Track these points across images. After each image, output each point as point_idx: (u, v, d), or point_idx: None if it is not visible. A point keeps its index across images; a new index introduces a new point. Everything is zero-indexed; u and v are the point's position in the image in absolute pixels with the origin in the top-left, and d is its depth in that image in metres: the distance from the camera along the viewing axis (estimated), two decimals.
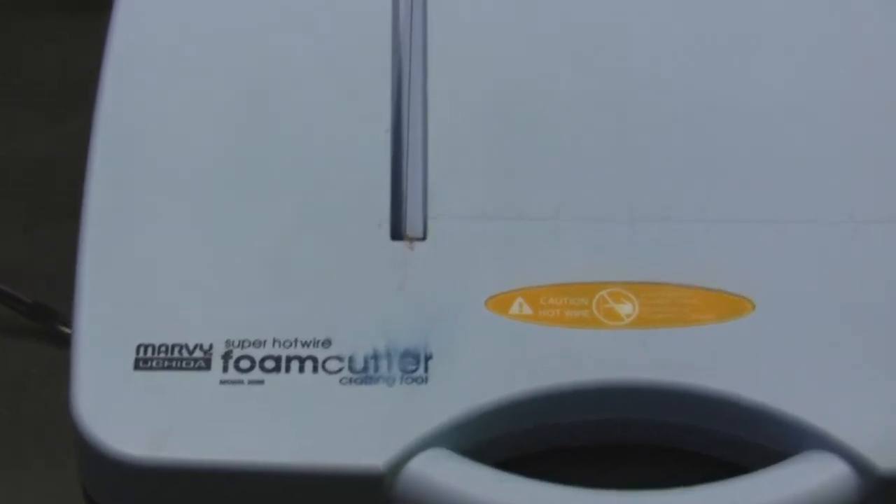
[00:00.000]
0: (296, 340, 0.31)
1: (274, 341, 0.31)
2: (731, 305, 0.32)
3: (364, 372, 0.31)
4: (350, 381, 0.30)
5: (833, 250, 0.33)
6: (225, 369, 0.31)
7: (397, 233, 0.33)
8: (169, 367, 0.31)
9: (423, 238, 0.33)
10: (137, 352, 0.31)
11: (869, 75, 0.37)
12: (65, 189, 0.37)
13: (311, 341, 0.31)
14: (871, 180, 0.35)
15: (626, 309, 0.32)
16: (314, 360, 0.31)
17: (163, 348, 0.31)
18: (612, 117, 0.36)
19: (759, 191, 0.34)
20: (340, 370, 0.31)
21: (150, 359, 0.31)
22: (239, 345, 0.31)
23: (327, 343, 0.31)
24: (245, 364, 0.31)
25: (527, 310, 0.32)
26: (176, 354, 0.31)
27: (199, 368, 0.31)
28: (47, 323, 0.37)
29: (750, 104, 0.36)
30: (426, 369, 0.31)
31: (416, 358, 0.31)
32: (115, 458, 0.29)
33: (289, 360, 0.31)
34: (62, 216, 0.36)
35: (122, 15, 0.38)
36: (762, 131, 0.36)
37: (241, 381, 0.30)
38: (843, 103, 0.37)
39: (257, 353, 0.31)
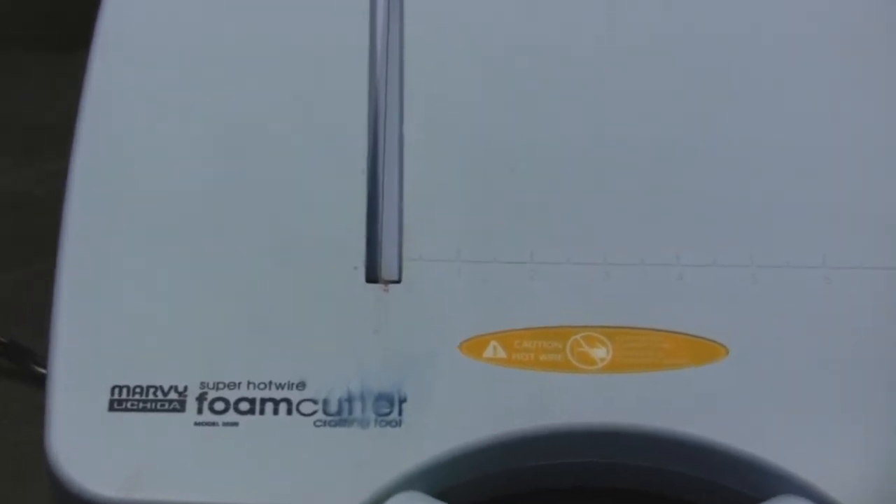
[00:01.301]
0: (270, 383, 0.31)
1: (248, 383, 0.31)
2: (705, 350, 0.32)
3: (338, 415, 0.31)
4: (324, 423, 0.31)
5: (805, 296, 0.34)
6: (199, 411, 0.31)
7: (372, 276, 0.34)
8: (143, 409, 0.31)
9: (399, 281, 0.33)
10: (112, 393, 0.31)
11: (842, 124, 0.38)
12: (37, 229, 0.37)
13: (285, 384, 0.31)
14: (843, 226, 0.35)
15: (601, 353, 0.32)
16: (288, 402, 0.31)
17: (137, 390, 0.31)
18: (587, 163, 0.36)
19: (731, 235, 0.35)
20: (315, 412, 0.31)
21: (124, 400, 0.31)
22: (214, 386, 0.31)
23: (302, 385, 0.31)
24: (220, 406, 0.31)
25: (500, 353, 0.32)
26: (150, 396, 0.31)
27: (174, 410, 0.31)
28: (22, 363, 0.37)
29: (722, 151, 0.37)
30: (400, 412, 0.31)
31: (390, 401, 0.31)
32: (89, 500, 0.29)
33: (263, 402, 0.31)
34: (36, 255, 0.36)
35: (100, 54, 0.38)
36: (734, 177, 0.36)
37: (215, 423, 0.31)
38: (816, 150, 0.37)
39: (232, 395, 0.31)
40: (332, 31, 0.38)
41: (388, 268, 0.34)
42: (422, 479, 0.30)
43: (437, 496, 0.30)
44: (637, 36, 0.39)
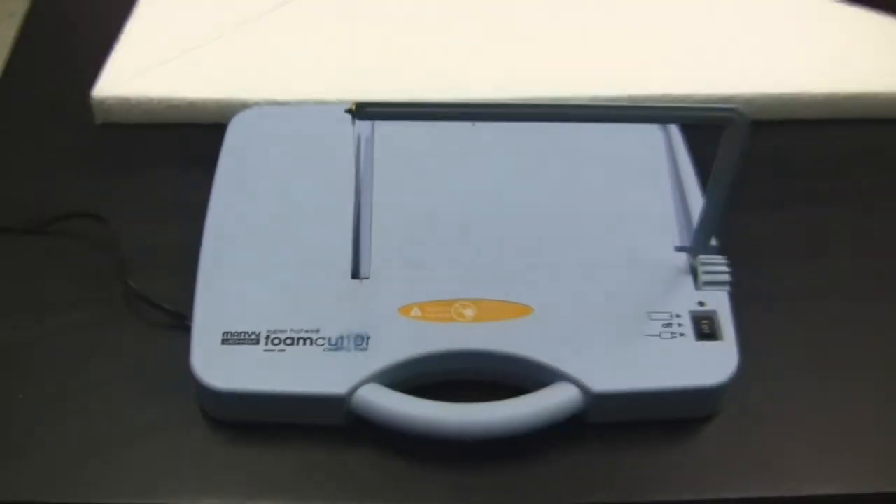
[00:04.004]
0: (301, 329, 0.60)
1: (290, 329, 0.60)
2: (522, 310, 0.61)
3: (335, 346, 0.60)
4: (328, 349, 0.59)
5: (578, 281, 0.63)
6: (266, 344, 0.60)
7: (356, 274, 0.63)
8: (238, 343, 0.60)
9: (368, 278, 0.63)
10: (223, 335, 0.60)
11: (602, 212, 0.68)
12: None
13: (310, 329, 0.60)
14: (621, 260, 0.65)
15: (469, 312, 0.61)
16: (311, 339, 0.60)
17: (235, 333, 0.60)
18: (479, 223, 0.66)
19: (540, 255, 0.64)
20: (323, 344, 0.60)
21: (228, 339, 0.60)
22: (272, 332, 0.60)
23: (317, 331, 0.60)
24: (276, 341, 0.60)
25: (418, 313, 0.61)
26: (241, 337, 0.60)
27: (253, 343, 0.60)
28: (181, 320, 0.66)
29: (566, 224, 0.66)
30: (367, 345, 0.60)
31: (363, 338, 0.60)
32: (210, 389, 0.59)
33: (297, 339, 0.60)
34: None
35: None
36: (551, 231, 0.66)
37: (272, 350, 0.60)
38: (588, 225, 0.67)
39: (282, 335, 0.60)
40: (338, 169, 0.68)
41: (363, 271, 0.63)
42: (378, 378, 0.59)
43: (389, 386, 0.59)
44: (519, 173, 0.69)
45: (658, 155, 0.71)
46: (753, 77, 0.81)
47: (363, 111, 0.53)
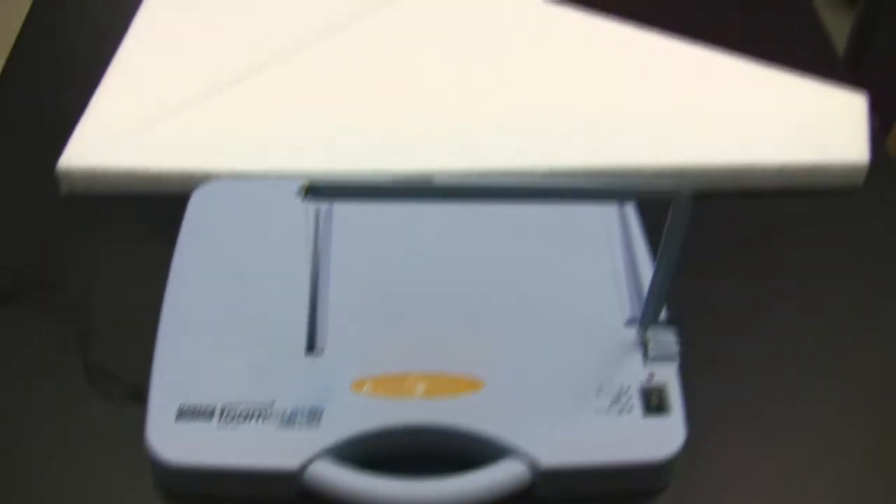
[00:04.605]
0: (255, 402, 0.61)
1: (246, 402, 0.61)
2: (473, 384, 0.62)
3: (290, 420, 0.61)
4: (283, 423, 0.60)
5: (523, 352, 0.64)
6: (221, 417, 0.61)
7: (310, 348, 0.64)
8: (192, 417, 0.61)
9: (323, 352, 0.64)
10: (179, 409, 0.61)
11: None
12: None
13: (264, 402, 0.61)
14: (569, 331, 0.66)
15: (421, 387, 0.62)
16: (265, 413, 0.61)
17: (190, 406, 0.61)
18: (427, 305, 0.67)
19: (506, 336, 0.65)
20: (279, 418, 0.61)
21: (184, 413, 0.61)
22: (227, 406, 0.61)
23: (272, 403, 0.61)
24: (230, 415, 0.61)
25: (370, 389, 0.62)
26: (195, 411, 0.61)
27: (208, 416, 0.61)
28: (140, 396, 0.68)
29: (518, 297, 0.68)
30: (320, 420, 0.61)
31: (316, 413, 0.61)
32: (163, 463, 0.60)
33: (252, 413, 0.61)
34: None
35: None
36: (519, 308, 0.67)
37: (227, 424, 0.61)
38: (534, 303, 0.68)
39: (237, 409, 0.61)
40: (297, 243, 0.69)
41: (318, 345, 0.64)
42: (330, 453, 0.59)
43: (340, 460, 0.60)
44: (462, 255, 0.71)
45: (611, 226, 0.72)
46: (705, 148, 0.82)
47: (313, 192, 0.54)
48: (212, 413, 0.61)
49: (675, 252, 0.60)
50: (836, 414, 0.68)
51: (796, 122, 0.86)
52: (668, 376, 0.63)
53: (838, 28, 2.25)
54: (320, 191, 0.54)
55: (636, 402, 0.62)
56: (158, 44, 0.90)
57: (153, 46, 0.90)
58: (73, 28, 0.97)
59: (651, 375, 0.63)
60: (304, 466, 0.59)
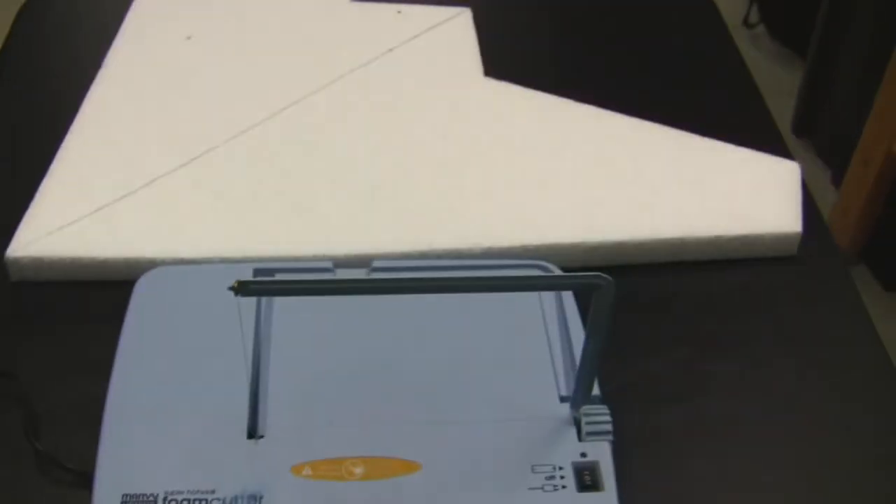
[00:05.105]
0: (197, 490, 0.63)
1: (188, 492, 0.63)
2: (411, 467, 0.64)
3: None
4: None
5: (457, 439, 0.65)
6: None
7: (252, 433, 0.66)
8: None
9: (264, 437, 0.65)
10: (122, 497, 0.62)
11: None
12: None
13: (205, 490, 0.62)
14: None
15: (359, 470, 0.64)
16: (206, 501, 0.63)
17: (132, 496, 0.63)
18: (379, 384, 0.69)
19: (443, 417, 0.67)
20: None
21: (127, 501, 0.62)
22: (169, 493, 0.63)
23: (213, 491, 0.63)
24: (173, 503, 0.62)
25: (309, 472, 0.63)
26: (139, 499, 0.62)
27: None
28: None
29: (455, 378, 0.70)
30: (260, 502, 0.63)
31: (257, 499, 0.62)
32: None
33: (193, 501, 0.62)
34: None
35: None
36: (456, 389, 0.69)
37: None
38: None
39: (179, 497, 0.62)
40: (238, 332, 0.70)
41: (259, 430, 0.65)
42: None
43: None
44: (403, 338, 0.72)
45: (547, 304, 0.74)
46: (639, 223, 0.85)
47: (245, 289, 0.56)
48: (154, 501, 0.62)
49: (602, 335, 0.62)
50: (773, 490, 0.69)
51: (730, 192, 0.88)
52: (602, 454, 0.65)
53: (788, 78, 2.31)
54: (251, 288, 0.56)
55: (570, 481, 0.64)
56: (103, 132, 0.92)
57: (98, 134, 0.92)
58: (18, 117, 0.99)
59: (584, 453, 0.65)
60: None
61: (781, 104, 2.24)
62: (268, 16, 1.05)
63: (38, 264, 0.80)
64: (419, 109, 0.95)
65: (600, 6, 1.13)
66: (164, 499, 0.62)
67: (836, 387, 0.76)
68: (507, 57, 1.02)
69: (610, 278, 0.59)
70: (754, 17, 2.48)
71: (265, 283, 0.57)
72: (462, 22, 1.05)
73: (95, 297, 0.80)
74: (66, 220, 0.83)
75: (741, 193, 0.88)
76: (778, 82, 2.31)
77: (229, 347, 0.70)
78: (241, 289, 0.56)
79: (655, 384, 0.75)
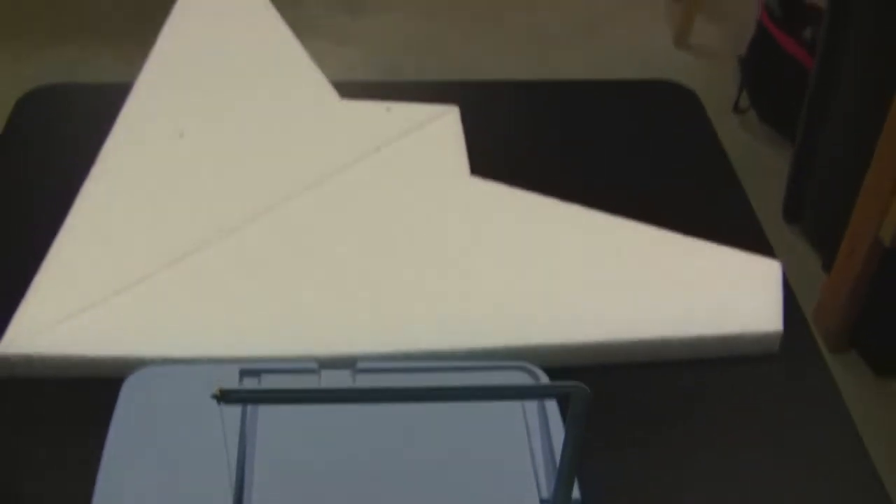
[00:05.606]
0: None
1: None
2: None
3: None
4: None
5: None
6: None
7: None
8: None
9: None
10: None
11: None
12: None
13: None
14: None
15: None
16: None
17: None
18: (365, 487, 0.70)
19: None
20: None
21: None
22: None
23: None
24: None
25: None
26: None
27: None
28: None
29: (437, 479, 0.71)
30: None
31: None
32: None
33: None
34: None
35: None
36: (439, 490, 0.70)
37: None
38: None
39: None
40: (227, 429, 0.72)
41: None
42: None
43: None
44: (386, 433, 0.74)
45: (528, 407, 0.75)
46: (618, 323, 0.86)
47: (227, 397, 0.57)
48: None
49: (579, 438, 0.63)
50: None
51: (711, 291, 0.90)
52: None
53: (778, 162, 2.34)
54: (233, 397, 0.57)
55: None
56: (96, 229, 0.93)
57: (91, 231, 0.93)
58: (11, 210, 1.00)
59: None
60: None
61: (775, 188, 2.27)
62: (261, 112, 1.07)
63: (28, 362, 0.82)
64: (405, 209, 0.96)
65: (583, 101, 1.15)
66: None
67: (815, 488, 0.77)
68: (493, 155, 1.04)
69: (584, 386, 0.60)
70: (744, 102, 2.52)
71: (246, 392, 0.58)
72: (450, 120, 1.07)
73: (84, 394, 0.81)
74: (57, 318, 0.84)
75: (722, 293, 0.90)
76: (771, 166, 2.34)
77: (215, 449, 0.71)
78: (224, 397, 0.57)
79: (637, 484, 0.76)
